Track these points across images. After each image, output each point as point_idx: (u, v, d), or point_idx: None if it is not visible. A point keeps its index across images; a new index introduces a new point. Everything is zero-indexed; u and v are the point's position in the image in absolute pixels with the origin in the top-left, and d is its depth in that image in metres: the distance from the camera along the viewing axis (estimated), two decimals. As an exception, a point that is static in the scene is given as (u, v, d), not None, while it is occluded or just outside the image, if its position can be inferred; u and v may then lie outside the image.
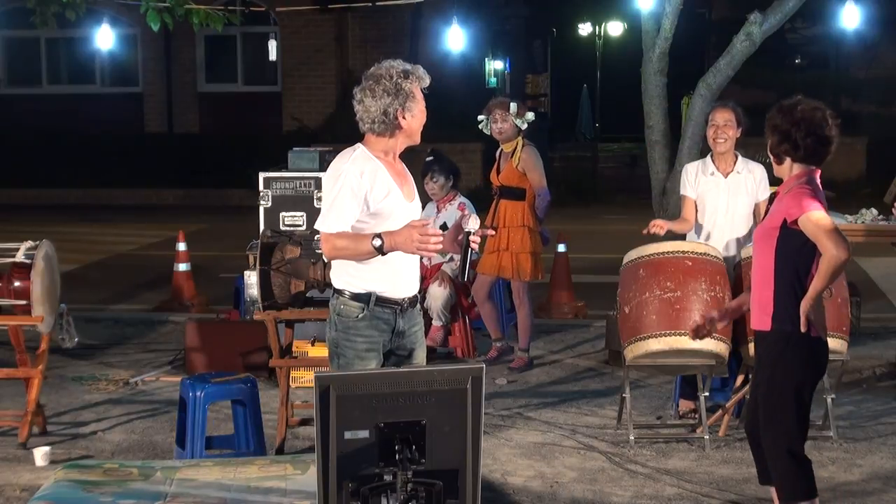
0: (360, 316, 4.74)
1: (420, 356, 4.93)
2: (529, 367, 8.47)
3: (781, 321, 4.84)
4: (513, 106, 8.30)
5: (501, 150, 8.48)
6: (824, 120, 4.86)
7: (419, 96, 4.76)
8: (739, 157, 6.95)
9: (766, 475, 5.10)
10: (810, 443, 6.63)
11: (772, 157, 4.98)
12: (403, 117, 4.72)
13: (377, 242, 4.59)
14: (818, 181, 4.92)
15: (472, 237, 4.64)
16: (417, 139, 4.84)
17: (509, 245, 8.27)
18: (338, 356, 4.80)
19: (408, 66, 4.77)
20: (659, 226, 6.91)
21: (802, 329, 4.75)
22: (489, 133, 8.39)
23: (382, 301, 4.76)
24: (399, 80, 4.70)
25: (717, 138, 6.88)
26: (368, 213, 4.69)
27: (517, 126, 8.28)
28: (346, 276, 4.78)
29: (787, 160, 4.91)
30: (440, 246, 4.65)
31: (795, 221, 4.75)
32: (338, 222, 4.67)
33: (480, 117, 8.39)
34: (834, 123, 4.89)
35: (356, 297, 4.75)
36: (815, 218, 4.69)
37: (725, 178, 6.91)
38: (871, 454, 6.53)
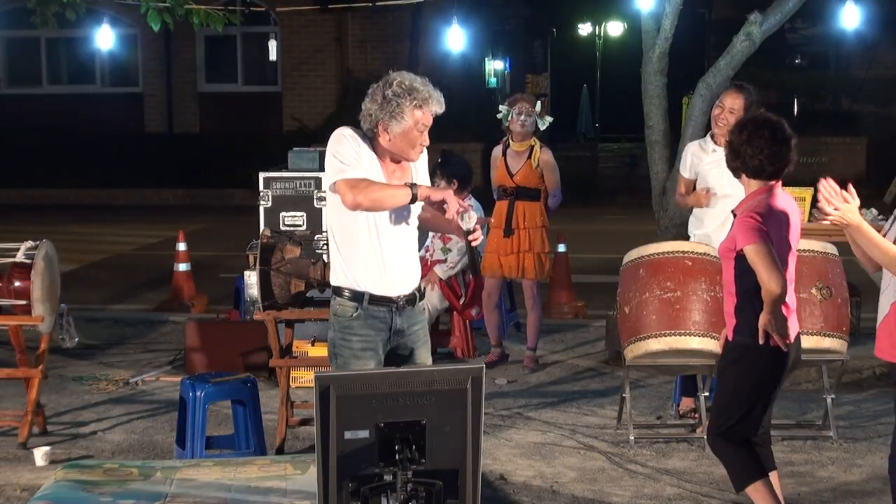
0: (354, 315, 4.75)
1: (423, 356, 4.92)
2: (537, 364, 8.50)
3: (741, 333, 5.00)
4: (538, 104, 8.30)
5: (508, 148, 8.37)
6: (773, 137, 4.92)
7: (410, 121, 4.63)
8: None
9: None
10: (810, 442, 6.65)
11: (731, 171, 5.10)
12: (385, 130, 4.67)
13: (414, 192, 4.59)
14: (774, 199, 4.96)
15: (472, 235, 4.64)
16: (403, 157, 4.75)
17: (531, 246, 8.23)
18: (336, 356, 4.81)
19: (417, 85, 4.64)
20: (705, 193, 6.89)
21: (760, 341, 4.87)
22: (508, 124, 8.27)
23: (376, 300, 4.75)
24: (394, 94, 4.62)
25: (718, 120, 6.88)
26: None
27: (537, 124, 8.27)
28: (341, 276, 4.78)
29: (742, 175, 5.03)
30: (472, 224, 4.68)
31: (742, 249, 4.91)
32: (358, 170, 4.62)
33: (502, 107, 8.31)
34: (789, 138, 4.94)
35: (351, 296, 4.75)
36: (754, 251, 4.82)
37: None
38: (871, 454, 6.52)
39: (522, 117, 8.20)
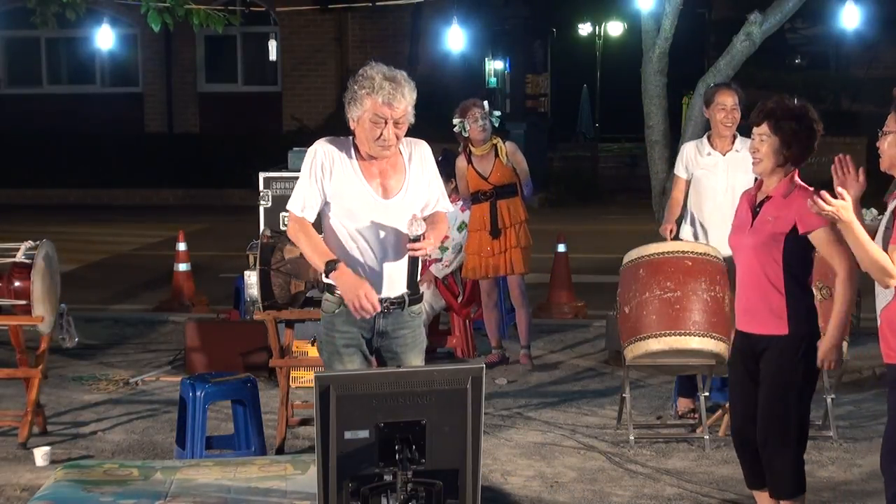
0: (336, 311, 4.77)
1: (409, 360, 4.86)
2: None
3: (798, 324, 4.88)
4: (486, 104, 8.28)
5: (471, 154, 8.29)
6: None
7: (364, 107, 4.60)
8: (738, 137, 6.97)
9: (758, 479, 5.11)
10: (810, 442, 6.64)
11: (770, 159, 4.93)
12: (351, 118, 4.69)
13: (328, 267, 4.61)
14: None
15: (414, 245, 4.58)
16: (371, 152, 4.68)
17: (518, 241, 8.27)
18: (321, 351, 4.90)
19: (375, 75, 4.59)
20: (669, 230, 6.93)
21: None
22: (467, 134, 8.19)
23: None
24: (353, 80, 4.66)
25: (725, 122, 6.89)
26: (326, 201, 4.72)
27: (492, 123, 8.27)
28: None
29: (775, 163, 4.92)
30: (369, 314, 4.62)
31: (808, 232, 4.80)
32: (298, 203, 4.73)
33: (456, 120, 8.23)
34: None
35: (336, 293, 4.76)
36: (831, 234, 4.75)
37: (724, 156, 6.93)
38: (871, 454, 6.52)
39: (480, 122, 8.19)
